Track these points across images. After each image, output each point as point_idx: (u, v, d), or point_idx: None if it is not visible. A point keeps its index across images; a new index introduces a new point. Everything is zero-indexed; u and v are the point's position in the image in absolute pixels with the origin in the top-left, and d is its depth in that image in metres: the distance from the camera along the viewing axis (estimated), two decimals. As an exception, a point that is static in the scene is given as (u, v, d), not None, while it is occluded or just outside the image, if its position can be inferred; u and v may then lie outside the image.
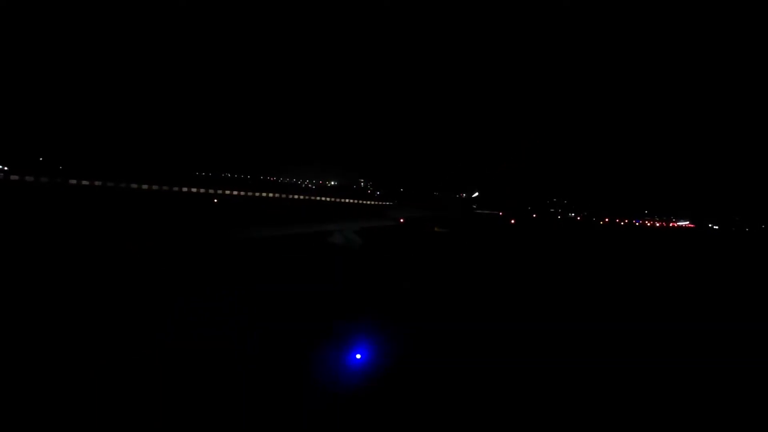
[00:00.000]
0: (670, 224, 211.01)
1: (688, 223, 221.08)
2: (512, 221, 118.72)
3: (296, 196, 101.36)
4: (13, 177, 53.09)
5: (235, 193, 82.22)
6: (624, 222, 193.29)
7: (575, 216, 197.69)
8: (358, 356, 14.76)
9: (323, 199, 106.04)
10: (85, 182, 59.48)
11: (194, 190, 76.08)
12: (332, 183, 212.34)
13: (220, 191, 79.25)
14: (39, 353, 11.84)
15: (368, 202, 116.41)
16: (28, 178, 53.51)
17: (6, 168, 58.89)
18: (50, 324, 14.03)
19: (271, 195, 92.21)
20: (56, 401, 9.97)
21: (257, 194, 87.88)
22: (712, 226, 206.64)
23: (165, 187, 70.78)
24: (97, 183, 61.71)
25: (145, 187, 67.49)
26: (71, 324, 14.20)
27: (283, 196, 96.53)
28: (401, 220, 65.19)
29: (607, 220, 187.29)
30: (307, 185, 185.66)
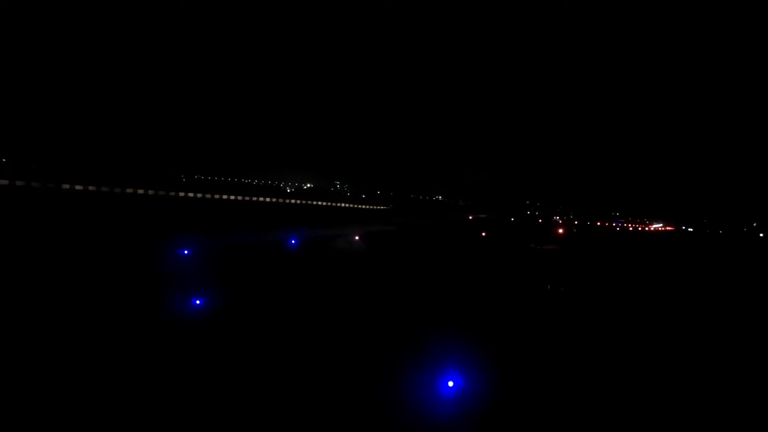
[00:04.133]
0: (648, 227, 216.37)
1: (662, 225, 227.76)
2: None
3: (293, 201, 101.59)
4: (19, 183, 51.60)
5: (233, 197, 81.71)
6: (626, 225, 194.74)
7: (567, 218, 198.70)
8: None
9: (319, 203, 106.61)
10: (91, 187, 58.39)
11: (191, 194, 75.29)
12: (308, 185, 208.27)
13: (222, 196, 78.76)
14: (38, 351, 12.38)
15: (365, 207, 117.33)
16: (35, 184, 52.13)
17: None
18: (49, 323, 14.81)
19: (269, 200, 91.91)
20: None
21: (256, 199, 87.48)
22: (686, 228, 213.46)
23: (171, 193, 69.94)
24: (101, 188, 60.62)
25: (151, 192, 66.59)
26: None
27: (281, 200, 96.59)
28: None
29: (599, 223, 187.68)
30: (284, 187, 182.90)
